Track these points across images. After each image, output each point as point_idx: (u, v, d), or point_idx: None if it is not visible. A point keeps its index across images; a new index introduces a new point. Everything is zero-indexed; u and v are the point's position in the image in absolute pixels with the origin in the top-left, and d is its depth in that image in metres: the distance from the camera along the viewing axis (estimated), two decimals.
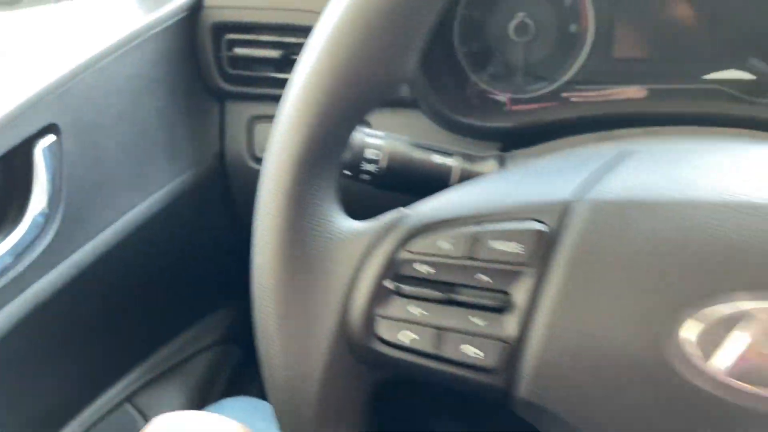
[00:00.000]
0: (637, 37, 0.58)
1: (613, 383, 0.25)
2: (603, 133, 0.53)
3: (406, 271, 0.28)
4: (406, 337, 0.28)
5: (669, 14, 0.57)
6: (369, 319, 0.28)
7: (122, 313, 0.53)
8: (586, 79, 0.59)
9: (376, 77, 0.27)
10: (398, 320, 0.28)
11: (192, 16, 0.57)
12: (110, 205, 0.49)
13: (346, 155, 0.39)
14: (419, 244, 0.28)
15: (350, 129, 0.29)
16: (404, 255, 0.28)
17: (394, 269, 0.28)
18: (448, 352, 0.27)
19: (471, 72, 0.61)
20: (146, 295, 0.55)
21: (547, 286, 0.26)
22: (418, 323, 0.28)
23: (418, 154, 0.41)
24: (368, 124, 0.58)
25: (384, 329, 0.28)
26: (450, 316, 0.27)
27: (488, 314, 0.27)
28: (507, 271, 0.27)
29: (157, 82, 0.54)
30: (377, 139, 0.40)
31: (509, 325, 0.27)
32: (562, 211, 0.27)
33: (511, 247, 0.27)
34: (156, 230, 0.54)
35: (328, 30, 0.27)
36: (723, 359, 0.24)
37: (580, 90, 0.59)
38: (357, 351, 0.29)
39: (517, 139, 0.54)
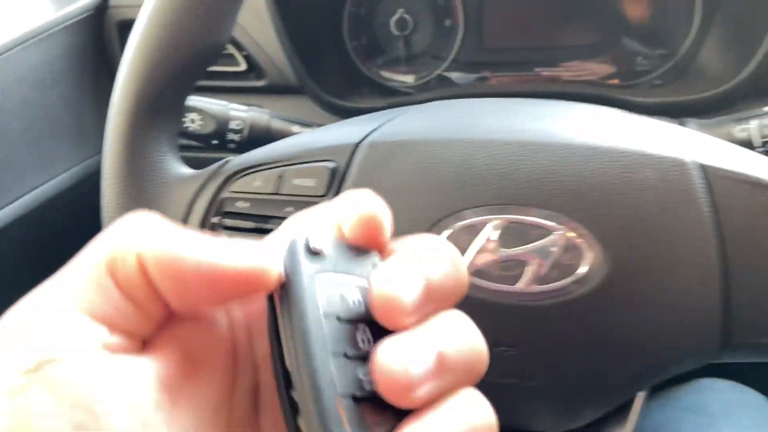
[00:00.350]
0: (505, 28, 0.65)
1: None
2: None
3: (228, 207, 0.34)
4: None
5: (535, 4, 0.64)
6: None
7: (31, 287, 0.57)
8: (462, 67, 0.66)
9: (195, 42, 0.33)
10: None
11: (98, 14, 0.63)
12: (16, 181, 0.54)
13: (212, 126, 0.45)
14: (238, 185, 0.34)
15: (183, 89, 0.34)
16: (226, 194, 0.34)
17: (219, 207, 0.34)
18: None
19: (360, 63, 0.68)
20: (55, 270, 0.60)
21: None
22: None
23: (278, 125, 0.47)
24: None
25: None
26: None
27: None
28: (307, 203, 0.33)
29: (63, 73, 0.59)
30: (240, 112, 0.46)
31: None
32: (350, 152, 0.33)
33: (309, 183, 0.33)
34: (63, 209, 0.58)
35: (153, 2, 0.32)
36: (465, 261, 0.30)
37: (456, 76, 0.66)
38: None
39: None
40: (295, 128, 0.47)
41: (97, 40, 0.63)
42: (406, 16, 0.65)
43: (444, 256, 0.19)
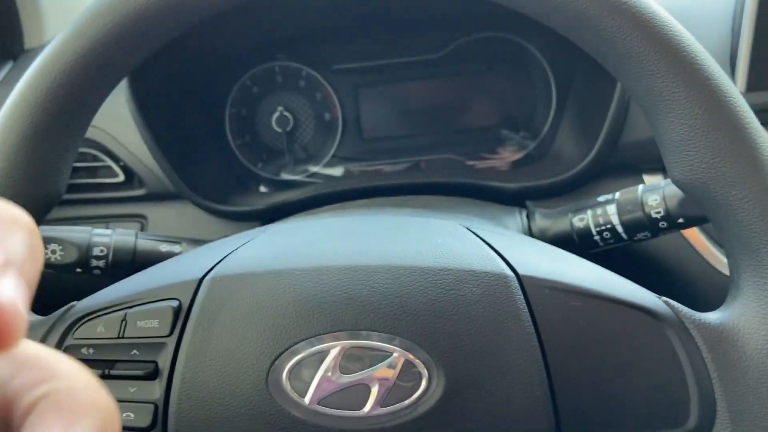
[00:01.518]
0: (382, 120, 0.68)
1: (236, 422, 0.31)
2: (343, 204, 0.60)
3: (74, 355, 0.33)
4: None
5: (410, 95, 0.68)
6: None
7: None
8: (345, 158, 0.69)
9: (29, 192, 0.33)
10: None
11: None
12: None
13: (74, 255, 0.44)
14: (82, 331, 0.33)
15: None
16: (71, 342, 0.33)
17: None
18: None
19: (247, 161, 0.69)
20: None
21: (181, 352, 0.32)
22: None
23: (144, 245, 0.46)
24: (144, 217, 0.63)
25: None
26: (112, 389, 0.33)
27: (142, 382, 0.32)
28: (153, 344, 0.33)
29: None
30: (103, 237, 0.45)
31: (156, 389, 0.32)
32: (193, 289, 0.33)
33: (153, 324, 0.33)
34: None
35: None
36: (308, 389, 0.31)
37: (338, 171, 0.68)
38: None
39: (278, 217, 0.61)
40: (163, 246, 0.47)
41: None
42: (286, 114, 0.68)
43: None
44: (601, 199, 0.44)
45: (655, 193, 0.41)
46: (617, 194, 0.43)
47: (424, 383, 0.30)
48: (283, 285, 0.32)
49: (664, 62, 0.30)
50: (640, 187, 0.42)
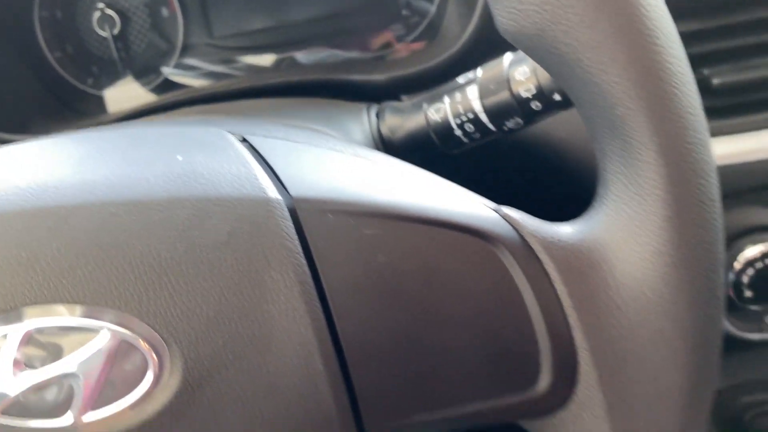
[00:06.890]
0: (234, 11, 0.55)
1: None
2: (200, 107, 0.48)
3: None
4: None
5: None
6: None
7: None
8: (193, 64, 0.56)
9: None
10: None
11: None
12: None
13: None
14: None
15: None
16: None
17: None
18: None
19: (72, 77, 0.56)
20: None
21: None
22: None
23: None
24: None
25: None
26: None
27: None
28: None
29: None
30: None
31: None
32: None
33: None
34: None
35: None
36: None
37: (185, 73, 0.56)
38: None
39: None
40: None
41: None
42: (110, 12, 0.54)
43: None
44: (460, 79, 0.33)
45: (523, 63, 0.30)
46: (479, 70, 0.32)
47: (151, 372, 0.20)
48: None
49: None
50: (507, 57, 0.31)
